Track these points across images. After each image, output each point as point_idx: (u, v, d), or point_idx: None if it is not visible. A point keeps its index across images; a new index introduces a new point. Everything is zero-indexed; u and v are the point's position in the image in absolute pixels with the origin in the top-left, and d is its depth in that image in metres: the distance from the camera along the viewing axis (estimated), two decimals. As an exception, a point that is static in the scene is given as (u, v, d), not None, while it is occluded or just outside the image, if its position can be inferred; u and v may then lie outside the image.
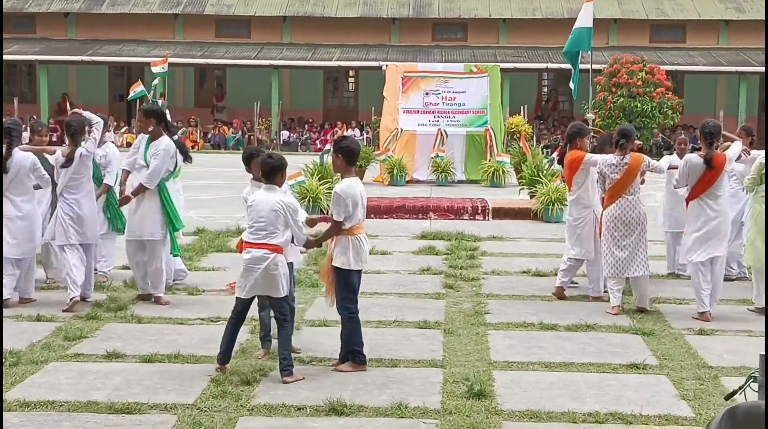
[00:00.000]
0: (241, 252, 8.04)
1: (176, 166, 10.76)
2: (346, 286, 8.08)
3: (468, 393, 7.41)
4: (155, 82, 22.96)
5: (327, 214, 16.92)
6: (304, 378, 7.81)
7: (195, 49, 41.29)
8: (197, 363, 8.24)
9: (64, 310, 9.93)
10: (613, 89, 35.39)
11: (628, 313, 10.29)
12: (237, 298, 7.99)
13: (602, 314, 10.25)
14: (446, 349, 8.80)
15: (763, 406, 2.22)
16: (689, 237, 10.30)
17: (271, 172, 7.94)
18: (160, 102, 20.68)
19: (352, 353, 8.14)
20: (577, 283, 11.53)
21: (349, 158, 8.04)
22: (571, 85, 20.40)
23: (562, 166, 11.45)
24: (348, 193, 7.94)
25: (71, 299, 10.04)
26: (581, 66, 21.32)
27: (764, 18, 39.88)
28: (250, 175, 8.56)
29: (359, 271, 8.15)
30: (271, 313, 8.18)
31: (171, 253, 10.72)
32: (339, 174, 8.36)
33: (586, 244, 10.95)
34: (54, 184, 10.54)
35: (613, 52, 37.85)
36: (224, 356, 7.97)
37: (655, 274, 12.09)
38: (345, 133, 25.14)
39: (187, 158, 10.92)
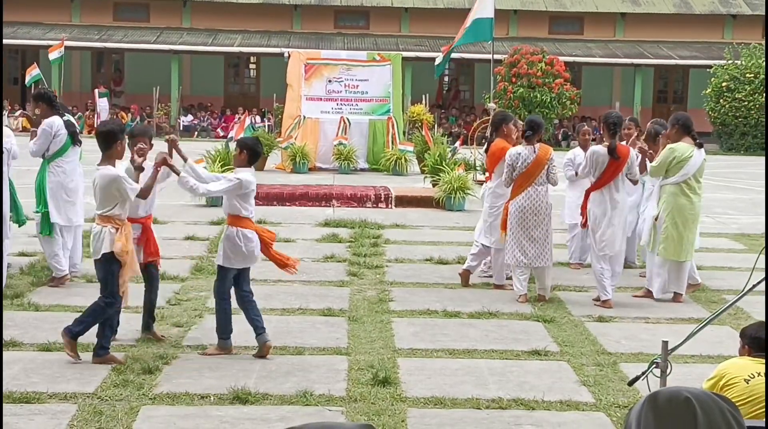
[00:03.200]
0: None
1: (66, 144, 10.53)
2: (218, 274, 8.33)
3: (373, 380, 7.43)
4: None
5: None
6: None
7: (92, 32, 40.49)
8: (98, 352, 8.09)
9: None
10: (513, 79, 35.81)
11: (529, 301, 10.42)
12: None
13: (504, 302, 10.36)
14: (351, 336, 8.81)
15: (684, 392, 2.25)
16: (596, 230, 10.43)
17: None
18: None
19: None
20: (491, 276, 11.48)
21: (253, 157, 8.25)
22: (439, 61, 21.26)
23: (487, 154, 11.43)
24: (250, 182, 8.11)
25: None
26: (482, 56, 21.63)
27: (707, 13, 40.79)
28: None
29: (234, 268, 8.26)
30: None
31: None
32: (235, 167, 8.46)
33: (496, 234, 10.98)
34: None
35: (513, 43, 38.28)
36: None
37: (556, 261, 12.30)
38: (246, 121, 24.96)
39: (75, 141, 10.67)
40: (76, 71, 41.95)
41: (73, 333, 7.78)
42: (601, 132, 10.98)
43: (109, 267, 7.79)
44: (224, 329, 8.20)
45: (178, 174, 8.06)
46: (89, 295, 10.08)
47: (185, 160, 8.24)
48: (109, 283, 7.82)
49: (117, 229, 7.75)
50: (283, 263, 8.51)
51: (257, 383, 7.33)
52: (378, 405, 6.95)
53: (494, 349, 8.55)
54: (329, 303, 10.00)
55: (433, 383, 7.50)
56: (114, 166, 7.88)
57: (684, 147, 10.49)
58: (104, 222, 7.77)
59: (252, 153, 8.17)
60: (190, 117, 39.75)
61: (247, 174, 8.12)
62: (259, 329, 8.18)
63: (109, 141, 7.83)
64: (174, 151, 8.25)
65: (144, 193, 8.03)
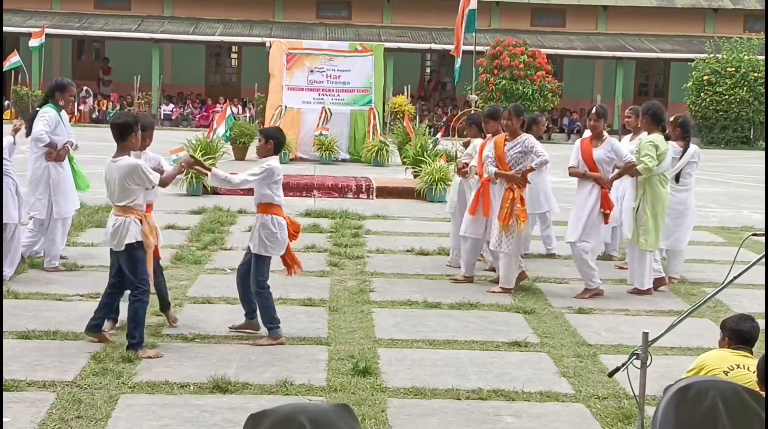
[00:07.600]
0: None
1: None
2: (256, 264, 8.29)
3: (353, 370, 7.43)
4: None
5: (209, 190, 16.74)
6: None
7: (73, 20, 40.25)
8: (77, 340, 8.06)
9: None
10: (495, 71, 35.81)
11: (509, 292, 10.43)
12: None
13: (484, 293, 10.37)
14: (331, 326, 8.80)
15: (711, 383, 2.26)
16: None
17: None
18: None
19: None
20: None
21: (279, 146, 8.31)
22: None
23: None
24: (280, 169, 8.26)
25: None
26: (464, 48, 21.62)
27: (689, 7, 40.88)
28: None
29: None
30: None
31: None
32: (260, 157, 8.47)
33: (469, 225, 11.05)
34: None
35: (495, 35, 38.28)
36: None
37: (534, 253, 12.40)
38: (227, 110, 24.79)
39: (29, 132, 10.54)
40: (57, 59, 41.68)
41: (136, 343, 7.73)
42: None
43: (135, 256, 7.79)
44: (271, 319, 8.24)
45: (206, 173, 8.26)
46: (65, 282, 10.07)
47: (209, 170, 8.35)
48: (138, 271, 7.80)
49: (140, 220, 7.79)
50: (290, 262, 8.54)
51: (237, 373, 7.32)
52: (358, 395, 6.94)
53: (474, 340, 8.55)
54: (310, 293, 9.98)
55: (413, 374, 7.50)
56: (129, 156, 7.88)
57: (661, 139, 10.52)
58: (125, 213, 7.77)
59: (277, 142, 8.28)
60: (171, 106, 39.57)
61: (275, 162, 8.24)
62: (252, 313, 8.41)
63: (124, 133, 7.80)
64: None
65: (165, 182, 8.15)
